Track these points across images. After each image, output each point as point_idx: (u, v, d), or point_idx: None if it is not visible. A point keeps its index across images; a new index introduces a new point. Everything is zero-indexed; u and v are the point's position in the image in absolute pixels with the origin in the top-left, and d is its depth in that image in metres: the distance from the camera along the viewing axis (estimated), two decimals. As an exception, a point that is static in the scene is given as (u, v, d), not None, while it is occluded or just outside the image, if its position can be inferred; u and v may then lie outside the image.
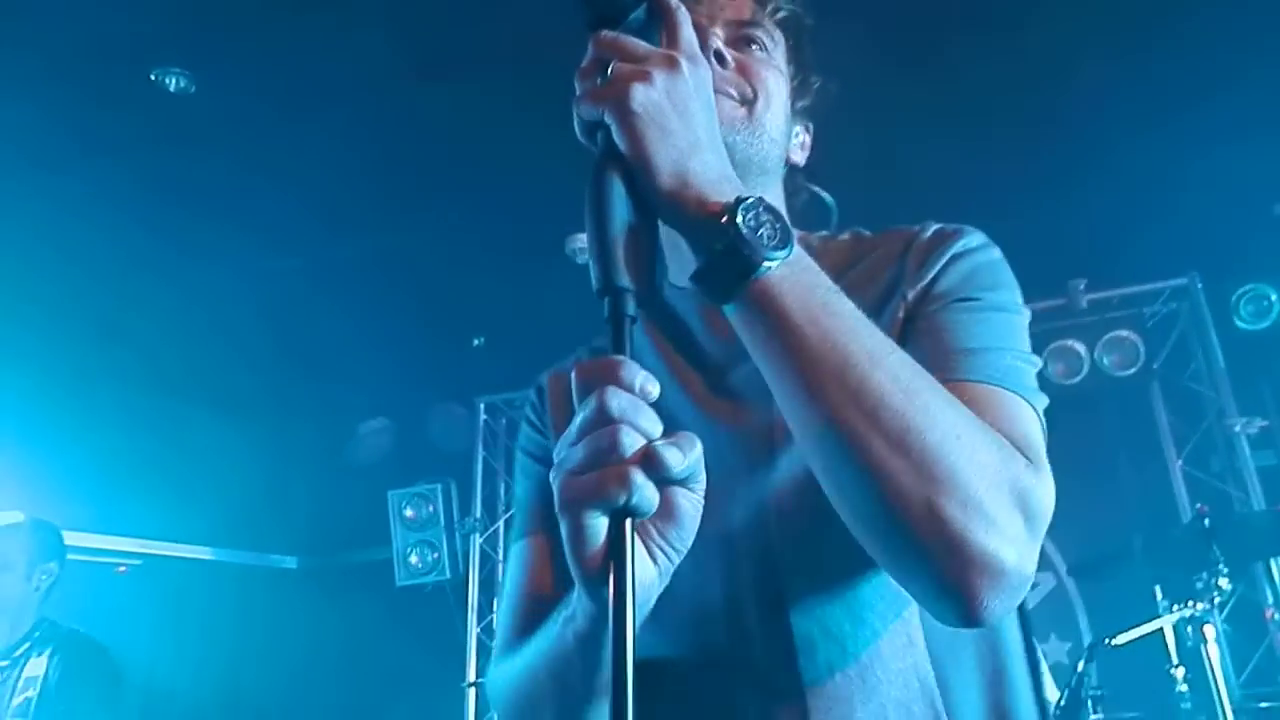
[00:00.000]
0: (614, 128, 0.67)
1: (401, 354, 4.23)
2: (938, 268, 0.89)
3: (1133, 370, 4.22)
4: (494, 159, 3.17)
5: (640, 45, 0.69)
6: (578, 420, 0.61)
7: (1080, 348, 4.26)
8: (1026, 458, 0.72)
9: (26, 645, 2.79)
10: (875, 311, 0.84)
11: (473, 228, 3.62)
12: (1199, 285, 4.29)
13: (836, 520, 0.74)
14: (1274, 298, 4.15)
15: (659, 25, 0.71)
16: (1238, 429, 4.11)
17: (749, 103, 0.94)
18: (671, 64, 0.68)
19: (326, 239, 3.66)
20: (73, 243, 3.35)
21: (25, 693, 2.70)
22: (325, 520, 4.96)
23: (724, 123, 0.85)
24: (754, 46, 0.96)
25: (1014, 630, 0.88)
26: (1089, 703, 2.59)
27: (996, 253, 0.92)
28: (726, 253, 0.67)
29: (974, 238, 0.93)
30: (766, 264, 0.67)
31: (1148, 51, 3.00)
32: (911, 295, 0.88)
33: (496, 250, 3.65)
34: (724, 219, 0.67)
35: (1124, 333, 4.25)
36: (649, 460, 0.60)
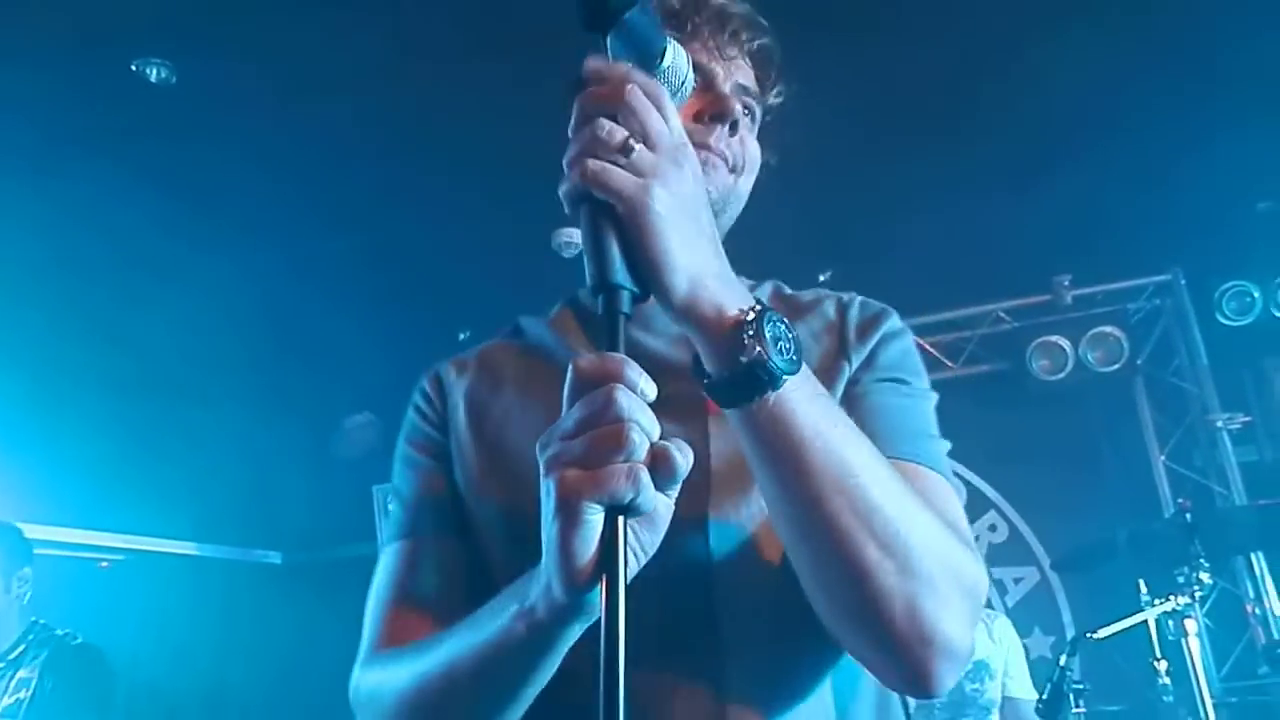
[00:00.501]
0: (627, 221, 0.66)
1: (387, 348, 4.20)
2: (874, 342, 0.95)
3: (1116, 366, 4.25)
4: (481, 152, 3.15)
5: (662, 127, 0.68)
6: (577, 415, 0.61)
7: (1065, 343, 4.29)
8: (966, 544, 0.79)
9: (21, 649, 2.75)
10: (825, 371, 0.91)
11: (459, 221, 3.60)
12: (1182, 282, 4.32)
13: (770, 532, 0.81)
14: (1257, 294, 4.18)
15: (654, 24, 0.71)
16: (1220, 424, 4.15)
17: (737, 173, 0.95)
18: (681, 160, 0.68)
19: (310, 232, 3.63)
20: (52, 236, 3.32)
21: (17, 694, 2.67)
22: (310, 515, 4.94)
23: (716, 189, 0.91)
24: (748, 116, 0.97)
25: None
26: (1071, 696, 2.60)
27: (911, 336, 1.00)
28: (748, 368, 0.68)
29: (897, 319, 1.00)
30: (785, 380, 0.69)
31: (1133, 47, 3.01)
32: (856, 363, 0.94)
33: (482, 243, 3.64)
34: (749, 334, 0.68)
35: (1108, 328, 4.28)
36: (657, 461, 0.61)
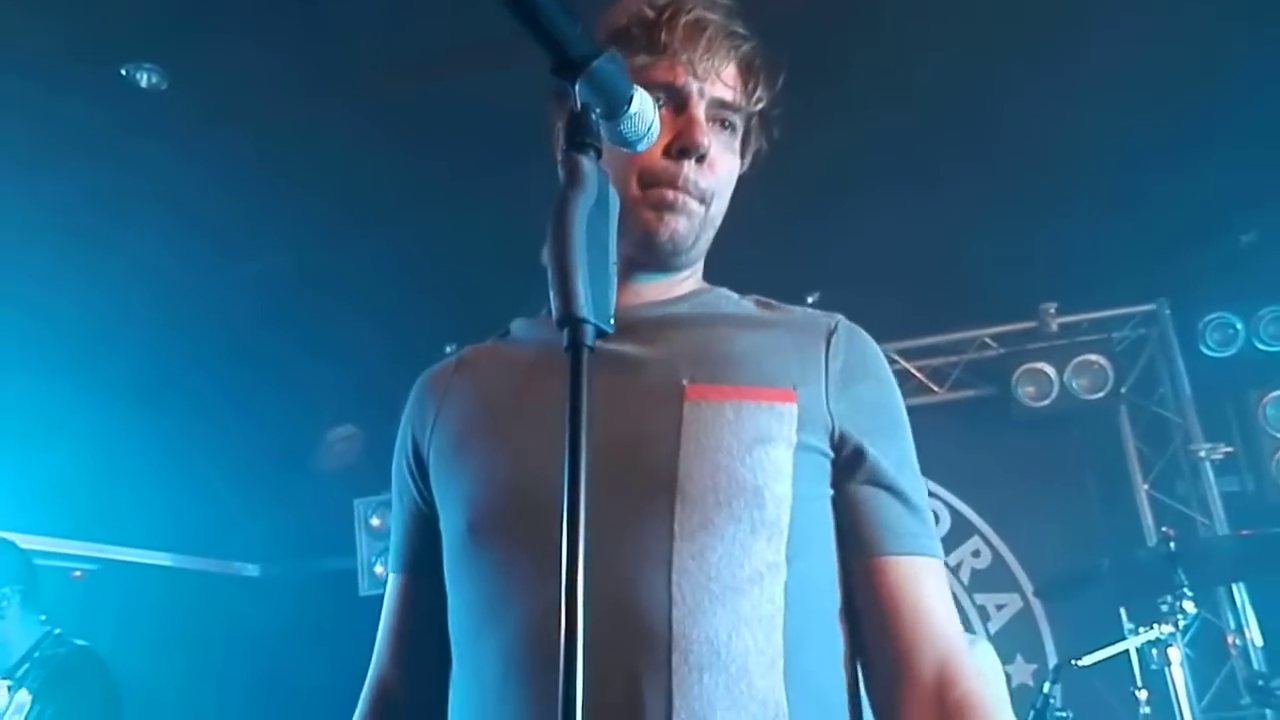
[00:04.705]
0: None
1: (371, 360, 4.17)
2: (859, 387, 0.96)
3: (1101, 394, 4.27)
4: (467, 162, 3.15)
5: None
6: None
7: (1050, 370, 4.30)
8: (961, 647, 0.91)
9: (25, 668, 2.75)
10: (801, 376, 0.94)
11: (446, 232, 3.59)
12: (1167, 312, 4.35)
13: (731, 514, 0.85)
14: (1240, 326, 4.21)
15: (621, 71, 0.75)
16: (1202, 454, 4.16)
17: (707, 203, 0.97)
18: None
19: (297, 242, 3.61)
20: (35, 242, 3.28)
21: (14, 718, 2.69)
22: (289, 528, 4.89)
23: (684, 226, 0.95)
24: (725, 129, 0.98)
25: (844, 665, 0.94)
26: (1054, 725, 2.59)
27: (889, 370, 1.02)
28: None
29: (879, 354, 1.01)
30: None
31: (1119, 80, 3.04)
32: (837, 405, 0.94)
33: (470, 256, 3.62)
34: None
35: (1093, 357, 4.29)
36: None
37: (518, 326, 1.07)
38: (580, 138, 0.72)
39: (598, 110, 0.75)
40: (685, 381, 0.90)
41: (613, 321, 0.69)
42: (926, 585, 0.92)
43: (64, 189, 3.09)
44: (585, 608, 0.59)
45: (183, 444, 4.34)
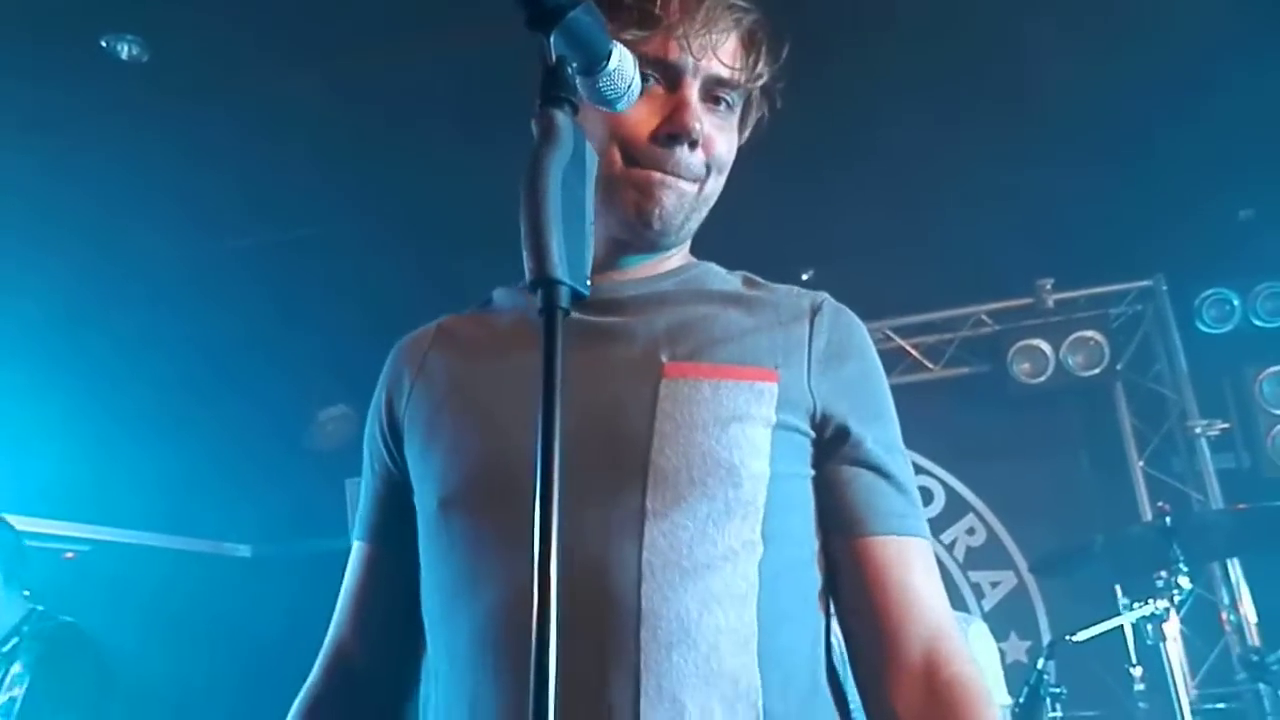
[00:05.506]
0: None
1: (363, 340, 4.13)
2: (843, 369, 0.95)
3: (1097, 371, 4.25)
4: (457, 139, 3.10)
5: None
6: None
7: (1046, 347, 4.29)
8: (951, 628, 0.89)
9: (15, 641, 2.75)
10: (784, 355, 0.92)
11: (437, 211, 3.55)
12: (1164, 288, 4.33)
13: (705, 490, 0.84)
14: (1236, 302, 4.19)
15: (599, 24, 0.72)
16: (1198, 431, 4.15)
17: (700, 182, 0.94)
18: None
19: (284, 217, 3.57)
20: (16, 220, 3.24)
21: (11, 690, 2.69)
22: (280, 508, 4.87)
23: (675, 206, 0.92)
24: (721, 106, 0.94)
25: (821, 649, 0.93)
26: (1048, 700, 2.58)
27: (874, 350, 1.00)
28: None
29: (864, 333, 0.99)
30: None
31: (1119, 53, 3.00)
32: (820, 385, 0.93)
33: (460, 235, 3.58)
34: None
35: (1089, 333, 4.28)
36: None
37: (499, 295, 1.05)
38: (555, 92, 0.69)
39: (574, 65, 0.71)
40: (664, 358, 0.89)
41: (589, 283, 0.66)
42: (914, 565, 0.91)
43: (40, 164, 3.04)
44: (558, 585, 0.56)
45: (173, 424, 4.30)
